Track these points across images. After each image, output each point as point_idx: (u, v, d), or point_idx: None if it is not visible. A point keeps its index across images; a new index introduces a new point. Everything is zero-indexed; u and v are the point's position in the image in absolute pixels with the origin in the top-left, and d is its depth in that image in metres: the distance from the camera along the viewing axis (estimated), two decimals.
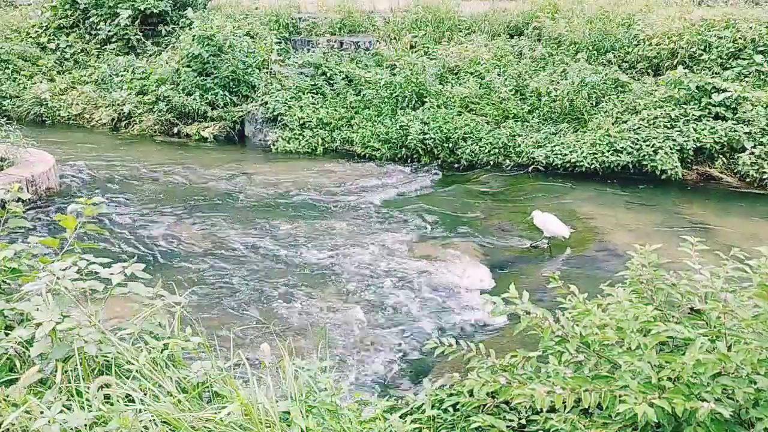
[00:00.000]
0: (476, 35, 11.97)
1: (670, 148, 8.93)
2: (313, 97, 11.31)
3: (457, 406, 2.93)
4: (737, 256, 2.83)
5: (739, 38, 10.00)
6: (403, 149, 10.24)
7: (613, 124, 9.46)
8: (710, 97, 9.23)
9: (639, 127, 9.23)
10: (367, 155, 10.38)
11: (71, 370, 2.70)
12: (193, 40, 11.71)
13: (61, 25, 14.22)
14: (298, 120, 10.95)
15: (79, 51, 13.79)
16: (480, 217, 8.01)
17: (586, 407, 2.42)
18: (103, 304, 3.06)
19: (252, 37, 12.48)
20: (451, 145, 10.01)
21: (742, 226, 7.55)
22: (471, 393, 2.82)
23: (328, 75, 11.67)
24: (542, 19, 11.74)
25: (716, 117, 9.22)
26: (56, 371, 2.70)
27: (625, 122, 9.44)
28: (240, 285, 6.18)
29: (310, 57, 11.98)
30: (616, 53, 10.84)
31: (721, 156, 9.05)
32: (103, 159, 10.19)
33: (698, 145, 9.00)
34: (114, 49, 13.44)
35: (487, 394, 2.76)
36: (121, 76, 12.57)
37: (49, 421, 2.34)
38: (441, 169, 9.88)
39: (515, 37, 12.13)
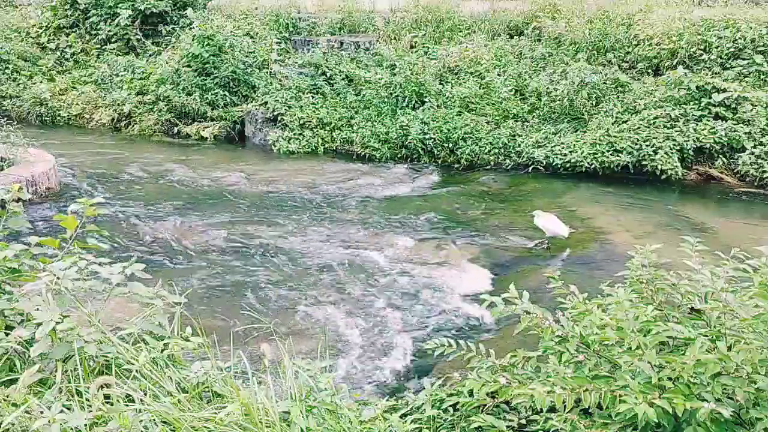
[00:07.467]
0: (476, 35, 11.97)
1: (670, 148, 8.94)
2: (313, 97, 11.31)
3: (457, 406, 2.93)
4: (737, 256, 2.83)
5: (739, 38, 9.99)
6: (403, 149, 10.25)
7: (613, 124, 9.46)
8: (710, 97, 9.23)
9: (639, 127, 9.23)
10: (367, 155, 10.38)
11: (71, 370, 2.70)
12: (193, 40, 11.72)
13: (61, 25, 14.22)
14: (298, 120, 10.94)
15: (79, 51, 13.80)
16: (480, 217, 8.01)
17: (586, 407, 2.42)
18: (104, 304, 3.06)
19: (252, 37, 12.50)
20: (451, 145, 10.01)
21: (742, 226, 7.54)
22: (471, 393, 2.82)
23: (328, 75, 11.67)
24: (542, 19, 11.74)
25: (716, 117, 9.22)
26: (56, 371, 2.70)
27: (625, 122, 9.44)
28: (240, 285, 6.18)
29: (310, 57, 11.99)
30: (616, 53, 10.84)
31: (721, 156, 9.06)
32: (103, 159, 10.20)
33: (698, 145, 9.01)
34: (114, 49, 13.45)
35: (487, 394, 2.76)
36: (121, 76, 12.57)
37: (49, 421, 2.33)
38: (441, 169, 9.88)
39: (515, 37, 12.14)
